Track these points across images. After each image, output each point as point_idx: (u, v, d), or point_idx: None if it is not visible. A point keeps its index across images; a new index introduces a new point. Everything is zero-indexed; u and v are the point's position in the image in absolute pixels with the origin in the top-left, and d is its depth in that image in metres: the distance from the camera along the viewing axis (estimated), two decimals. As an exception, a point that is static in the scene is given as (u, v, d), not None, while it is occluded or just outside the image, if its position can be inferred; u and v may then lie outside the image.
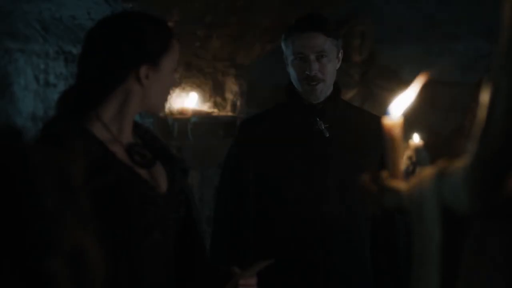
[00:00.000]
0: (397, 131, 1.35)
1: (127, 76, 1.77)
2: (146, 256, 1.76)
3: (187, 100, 4.25)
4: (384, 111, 1.39)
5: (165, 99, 1.87)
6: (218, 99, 4.44)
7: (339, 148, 2.48)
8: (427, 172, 1.33)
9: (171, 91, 1.91)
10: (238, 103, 4.52)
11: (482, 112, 1.15)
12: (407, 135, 1.42)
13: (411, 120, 1.49)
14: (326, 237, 2.45)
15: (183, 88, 4.23)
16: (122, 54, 1.75)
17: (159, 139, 1.95)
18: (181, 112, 4.19)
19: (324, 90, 2.48)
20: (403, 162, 1.41)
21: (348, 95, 4.58)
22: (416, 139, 1.55)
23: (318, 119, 2.49)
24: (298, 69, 2.46)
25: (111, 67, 1.76)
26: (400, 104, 1.36)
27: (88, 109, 1.78)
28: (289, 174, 2.47)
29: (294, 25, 2.49)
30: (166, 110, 4.19)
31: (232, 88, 4.49)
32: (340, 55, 2.53)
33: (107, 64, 1.76)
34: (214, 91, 4.42)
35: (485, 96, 1.15)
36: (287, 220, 2.47)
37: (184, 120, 4.18)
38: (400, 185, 1.37)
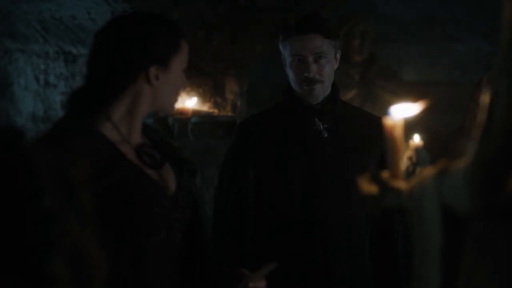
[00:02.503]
0: (398, 132, 1.35)
1: (136, 76, 1.77)
2: (150, 256, 1.76)
3: (187, 101, 4.25)
4: (384, 111, 1.39)
5: (175, 99, 1.86)
6: (218, 99, 4.44)
7: (338, 148, 2.48)
8: (427, 172, 1.33)
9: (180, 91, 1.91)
10: (238, 103, 4.52)
11: (482, 113, 1.15)
12: (407, 135, 1.42)
13: (411, 121, 1.49)
14: (326, 237, 2.45)
15: (183, 88, 4.23)
16: (131, 55, 1.75)
17: (167, 140, 1.95)
18: (181, 112, 4.18)
19: (322, 91, 2.48)
20: (404, 163, 1.41)
21: (348, 95, 4.57)
22: (416, 139, 1.55)
23: (316, 119, 2.49)
24: (296, 70, 2.46)
25: (120, 67, 1.76)
26: (402, 111, 1.37)
27: (98, 109, 1.78)
28: (288, 174, 2.47)
29: (291, 26, 2.49)
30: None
31: (232, 88, 4.49)
32: (338, 55, 2.53)
33: (117, 64, 1.76)
34: (214, 91, 4.41)
35: (485, 97, 1.15)
36: (287, 220, 2.47)
37: (184, 120, 4.18)
38: (401, 185, 1.37)
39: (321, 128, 2.49)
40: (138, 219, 1.74)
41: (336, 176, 2.46)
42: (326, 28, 2.47)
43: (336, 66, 2.53)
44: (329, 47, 2.47)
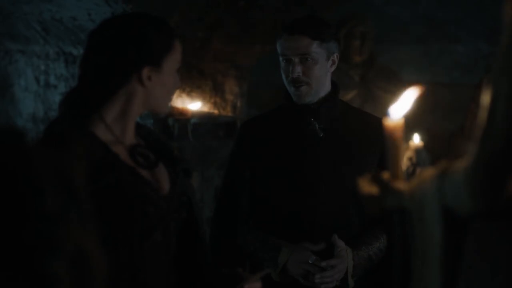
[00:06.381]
0: (399, 132, 1.35)
1: (129, 77, 1.77)
2: (147, 257, 1.76)
3: (190, 104, 4.25)
4: (384, 112, 1.39)
5: (168, 100, 1.86)
6: (218, 100, 4.44)
7: (333, 148, 2.48)
8: (428, 173, 1.33)
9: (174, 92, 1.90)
10: (238, 104, 4.53)
11: (482, 114, 1.15)
12: (407, 136, 1.43)
13: (412, 122, 1.49)
14: (322, 237, 2.45)
15: (183, 89, 4.24)
16: (124, 56, 1.75)
17: (161, 140, 1.95)
18: (182, 113, 4.19)
19: (310, 92, 2.47)
20: (404, 163, 1.42)
21: (348, 96, 4.58)
22: (416, 140, 1.56)
23: (312, 119, 2.49)
24: (284, 71, 2.48)
25: (113, 68, 1.76)
26: (401, 107, 1.37)
27: (91, 110, 1.78)
28: (285, 174, 2.47)
29: (283, 27, 2.50)
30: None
31: (232, 89, 4.50)
32: (335, 57, 2.50)
33: (110, 66, 1.76)
34: (214, 92, 4.42)
35: (485, 98, 1.15)
36: (284, 221, 2.48)
37: (184, 121, 4.18)
38: (401, 186, 1.37)
39: (317, 127, 2.49)
40: (135, 220, 1.74)
41: (330, 175, 2.46)
42: (315, 30, 2.45)
43: (331, 69, 2.50)
44: (318, 49, 2.45)
